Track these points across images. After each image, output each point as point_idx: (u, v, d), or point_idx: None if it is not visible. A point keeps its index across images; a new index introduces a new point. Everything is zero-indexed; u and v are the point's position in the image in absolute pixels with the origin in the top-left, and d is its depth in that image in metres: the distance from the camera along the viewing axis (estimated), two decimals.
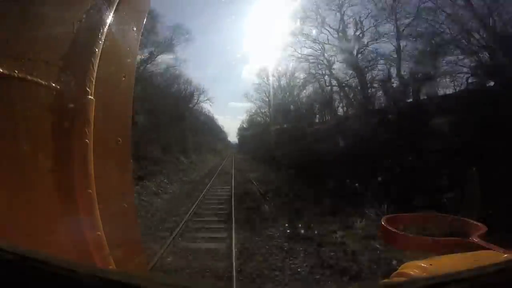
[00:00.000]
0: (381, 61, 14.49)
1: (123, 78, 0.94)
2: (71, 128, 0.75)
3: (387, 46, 14.27)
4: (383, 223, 1.11)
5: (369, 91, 14.82)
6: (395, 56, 13.67)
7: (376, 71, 14.87)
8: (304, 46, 18.05)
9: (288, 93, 23.69)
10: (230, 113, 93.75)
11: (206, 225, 6.98)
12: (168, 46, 20.86)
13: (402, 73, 12.95)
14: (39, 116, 0.71)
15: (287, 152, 16.29)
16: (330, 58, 17.20)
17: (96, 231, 0.78)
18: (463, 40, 10.53)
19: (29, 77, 0.68)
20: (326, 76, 18.07)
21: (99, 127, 0.81)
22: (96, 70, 0.80)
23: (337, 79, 16.87)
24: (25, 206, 0.68)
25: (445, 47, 11.28)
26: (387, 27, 14.01)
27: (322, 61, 17.47)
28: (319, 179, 10.28)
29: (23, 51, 0.68)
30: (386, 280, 0.79)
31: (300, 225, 6.62)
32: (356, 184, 8.28)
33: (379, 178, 7.88)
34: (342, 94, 16.99)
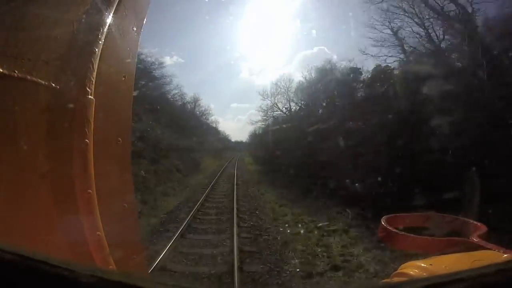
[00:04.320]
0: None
1: (123, 78, 0.94)
2: (71, 128, 0.75)
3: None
4: (383, 223, 1.11)
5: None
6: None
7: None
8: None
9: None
10: (231, 113, 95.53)
11: None
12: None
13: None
14: (39, 116, 0.71)
15: None
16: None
17: (96, 231, 0.78)
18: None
19: (28, 77, 0.68)
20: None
21: (99, 127, 0.81)
22: (96, 70, 0.80)
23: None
24: (25, 206, 0.68)
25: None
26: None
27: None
28: None
29: (23, 51, 0.68)
30: (386, 280, 0.79)
31: None
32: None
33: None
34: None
